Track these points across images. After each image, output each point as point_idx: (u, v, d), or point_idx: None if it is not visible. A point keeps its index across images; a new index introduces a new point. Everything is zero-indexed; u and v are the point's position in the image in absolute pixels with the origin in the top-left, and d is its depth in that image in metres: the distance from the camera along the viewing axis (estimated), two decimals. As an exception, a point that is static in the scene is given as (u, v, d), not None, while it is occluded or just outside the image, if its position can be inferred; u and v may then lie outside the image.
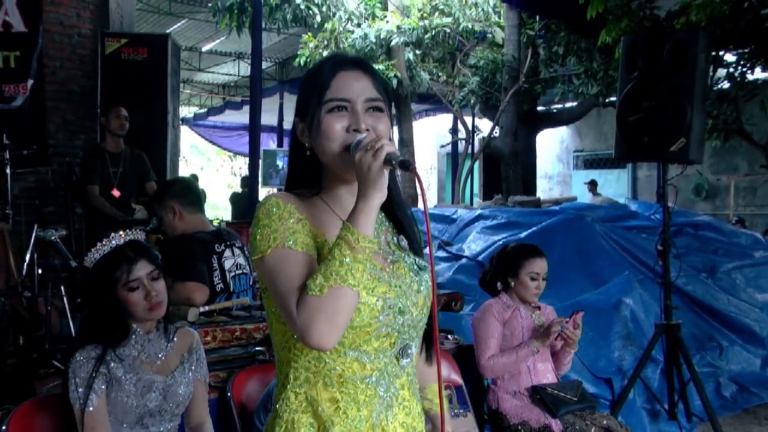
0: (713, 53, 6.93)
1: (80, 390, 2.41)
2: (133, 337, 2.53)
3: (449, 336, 4.10)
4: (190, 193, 3.93)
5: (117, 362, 2.48)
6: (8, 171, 5.25)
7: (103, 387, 2.44)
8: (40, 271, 4.22)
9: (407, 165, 1.57)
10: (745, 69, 8.80)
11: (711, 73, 7.44)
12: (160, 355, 2.58)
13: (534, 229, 6.20)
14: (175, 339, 2.66)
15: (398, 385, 1.75)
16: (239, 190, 14.43)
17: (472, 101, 12.70)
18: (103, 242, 2.55)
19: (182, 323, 3.13)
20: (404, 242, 1.78)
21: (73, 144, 7.28)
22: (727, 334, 5.54)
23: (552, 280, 3.88)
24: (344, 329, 1.59)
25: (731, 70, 8.84)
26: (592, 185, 14.93)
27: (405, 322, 1.71)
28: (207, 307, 3.49)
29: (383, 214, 1.78)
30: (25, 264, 4.39)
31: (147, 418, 2.51)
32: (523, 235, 6.07)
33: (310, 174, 1.73)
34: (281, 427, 1.71)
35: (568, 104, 13.58)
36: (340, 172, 1.68)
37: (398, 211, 1.80)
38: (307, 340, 1.56)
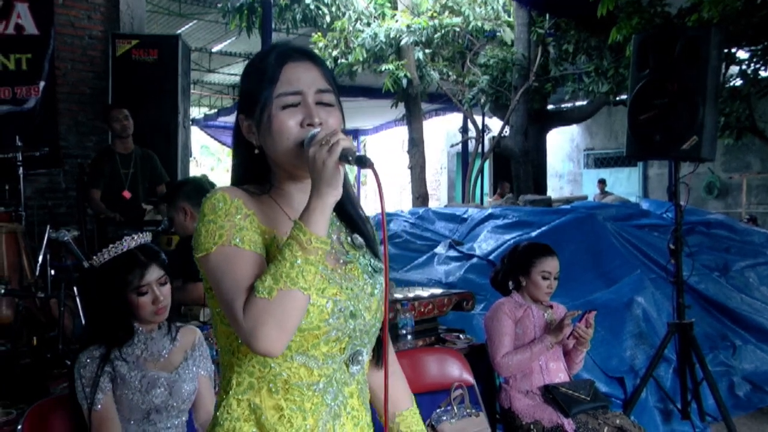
0: (725, 50, 6.89)
1: (87, 390, 2.44)
2: (136, 336, 2.56)
3: (461, 336, 4.09)
4: (202, 194, 3.94)
5: (121, 361, 2.50)
6: (21, 172, 5.28)
7: (109, 385, 2.46)
8: (53, 272, 4.24)
9: (365, 161, 1.47)
10: (757, 66, 8.76)
11: (723, 71, 7.40)
12: (163, 353, 2.61)
13: (545, 228, 6.19)
14: (178, 337, 2.68)
15: (347, 393, 1.66)
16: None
17: (482, 100, 12.69)
18: (116, 245, 2.57)
19: (193, 323, 3.15)
20: (359, 240, 1.69)
21: (84, 145, 7.30)
22: (741, 333, 5.51)
23: (564, 279, 3.86)
24: (293, 334, 1.50)
25: (744, 67, 8.81)
26: (601, 184, 14.89)
27: (357, 327, 1.61)
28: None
29: (335, 213, 1.66)
30: (38, 265, 4.41)
31: (153, 414, 2.52)
32: (534, 234, 6.05)
33: (258, 172, 1.63)
34: (224, 429, 1.60)
35: (579, 103, 13.55)
36: (292, 169, 1.59)
37: (351, 209, 1.70)
38: (253, 345, 1.46)
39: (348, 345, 1.61)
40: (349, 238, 1.67)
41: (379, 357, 1.74)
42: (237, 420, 1.60)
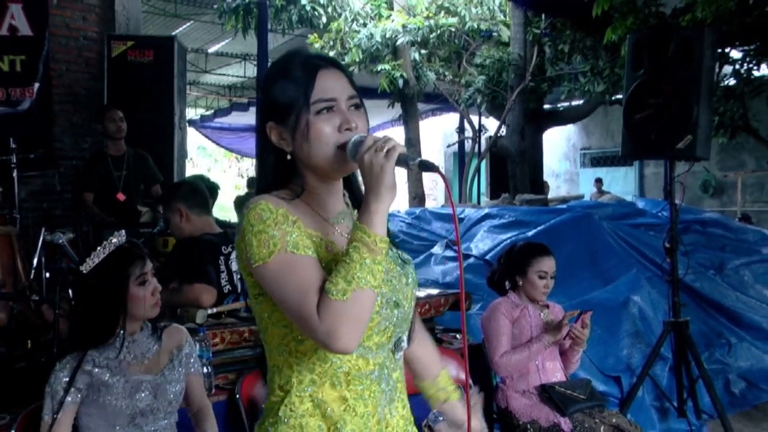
0: (719, 50, 6.90)
1: (53, 403, 2.46)
2: (117, 340, 2.55)
3: (457, 335, 4.10)
4: (197, 195, 3.94)
5: (102, 367, 2.50)
6: (15, 174, 5.26)
7: (77, 401, 2.47)
8: (47, 275, 4.23)
9: (430, 166, 1.56)
10: (751, 65, 8.79)
11: (717, 70, 7.42)
12: (147, 354, 2.61)
13: (541, 227, 6.19)
14: (163, 337, 2.68)
15: (395, 379, 1.75)
16: (243, 192, 14.19)
17: (478, 100, 12.69)
18: (103, 245, 2.58)
19: (189, 325, 3.14)
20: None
21: (80, 147, 7.29)
22: (736, 330, 5.53)
23: (560, 278, 3.87)
24: (365, 330, 1.59)
25: (737, 66, 8.83)
26: (598, 183, 14.89)
27: (399, 315, 1.72)
28: (215, 309, 3.49)
29: (355, 211, 1.76)
30: (33, 268, 4.40)
31: (139, 418, 2.52)
32: (530, 233, 6.06)
33: (288, 178, 1.70)
34: (289, 426, 1.67)
35: (575, 102, 13.56)
36: (330, 172, 1.66)
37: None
38: (332, 345, 1.54)
39: (393, 333, 1.72)
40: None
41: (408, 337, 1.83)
42: (302, 416, 1.67)
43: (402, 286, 1.73)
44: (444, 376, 2.02)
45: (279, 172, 1.70)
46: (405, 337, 1.77)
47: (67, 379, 2.47)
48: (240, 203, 13.40)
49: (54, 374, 2.48)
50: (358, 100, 1.68)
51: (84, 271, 2.54)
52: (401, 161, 1.54)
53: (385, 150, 1.54)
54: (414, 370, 1.99)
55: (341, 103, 1.64)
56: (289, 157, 1.68)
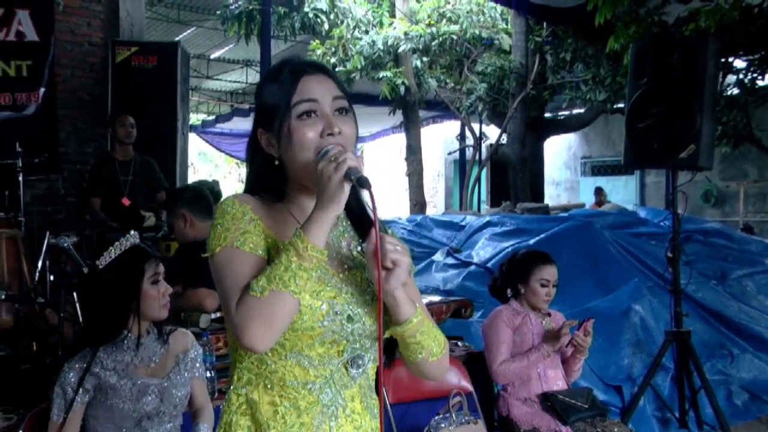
0: (722, 59, 6.92)
1: (63, 402, 2.47)
2: (125, 342, 2.56)
3: (459, 343, 4.10)
4: (201, 201, 3.95)
5: (110, 370, 2.51)
6: (20, 178, 5.28)
7: (84, 401, 2.49)
8: (52, 278, 4.24)
9: (364, 182, 1.53)
10: (755, 75, 8.80)
11: (720, 79, 7.44)
12: (154, 358, 2.62)
13: (543, 235, 6.20)
14: (169, 341, 2.69)
15: (346, 396, 1.69)
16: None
17: (479, 108, 12.72)
18: (119, 242, 2.61)
19: (193, 329, 3.16)
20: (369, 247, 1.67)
21: (84, 152, 7.31)
22: (738, 341, 5.52)
23: (561, 286, 3.87)
24: (280, 334, 1.57)
25: (741, 76, 8.84)
26: (599, 194, 14.83)
27: (355, 331, 1.65)
28: (218, 314, 3.50)
29: (348, 222, 1.74)
30: (37, 270, 4.42)
31: (145, 421, 2.53)
32: (532, 241, 6.06)
33: (273, 182, 1.69)
34: (221, 428, 1.69)
35: (576, 111, 13.58)
36: (311, 178, 1.62)
37: (365, 219, 1.71)
38: (241, 340, 1.54)
39: (346, 348, 1.65)
40: (359, 247, 1.70)
41: (387, 357, 1.75)
42: (235, 413, 1.67)
43: (365, 301, 1.67)
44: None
45: (264, 177, 1.70)
46: (368, 356, 1.70)
47: (77, 379, 2.48)
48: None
49: (63, 374, 2.50)
50: (345, 104, 1.66)
51: (100, 266, 2.56)
52: (347, 175, 1.53)
53: (336, 162, 1.53)
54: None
55: (324, 107, 1.63)
56: (276, 162, 1.67)
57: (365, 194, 1.56)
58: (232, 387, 1.68)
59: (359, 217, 1.69)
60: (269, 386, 1.64)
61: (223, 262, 1.61)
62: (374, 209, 1.58)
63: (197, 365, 2.75)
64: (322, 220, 1.55)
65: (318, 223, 1.54)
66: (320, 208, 1.55)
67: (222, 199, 1.68)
